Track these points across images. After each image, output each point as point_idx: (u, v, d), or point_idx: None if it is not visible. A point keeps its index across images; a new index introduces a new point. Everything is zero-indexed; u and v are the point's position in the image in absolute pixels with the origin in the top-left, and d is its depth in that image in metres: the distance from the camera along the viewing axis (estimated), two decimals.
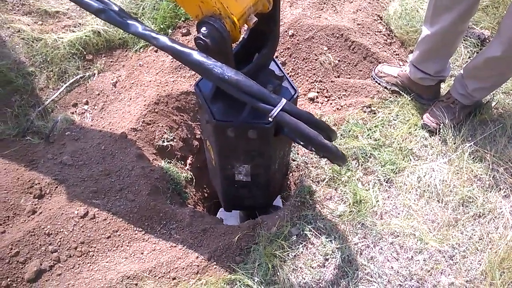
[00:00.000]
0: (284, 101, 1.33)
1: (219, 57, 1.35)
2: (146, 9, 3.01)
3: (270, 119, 1.33)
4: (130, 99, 2.65)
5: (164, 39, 1.36)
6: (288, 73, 2.78)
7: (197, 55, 1.32)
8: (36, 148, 2.41)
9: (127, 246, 2.07)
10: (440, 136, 2.37)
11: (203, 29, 1.35)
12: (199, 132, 2.76)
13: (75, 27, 2.94)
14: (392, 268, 1.92)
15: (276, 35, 1.67)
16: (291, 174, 2.54)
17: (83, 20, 2.95)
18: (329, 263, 1.96)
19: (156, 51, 2.91)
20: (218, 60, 1.32)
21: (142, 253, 2.04)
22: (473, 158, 2.25)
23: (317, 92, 2.70)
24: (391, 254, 1.97)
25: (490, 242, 1.94)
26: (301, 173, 2.37)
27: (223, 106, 1.71)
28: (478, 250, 1.92)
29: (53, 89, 2.75)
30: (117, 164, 2.32)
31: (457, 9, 2.06)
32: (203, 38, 1.35)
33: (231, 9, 1.36)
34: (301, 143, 1.58)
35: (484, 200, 2.07)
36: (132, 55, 2.93)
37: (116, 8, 1.46)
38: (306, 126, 1.34)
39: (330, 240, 2.02)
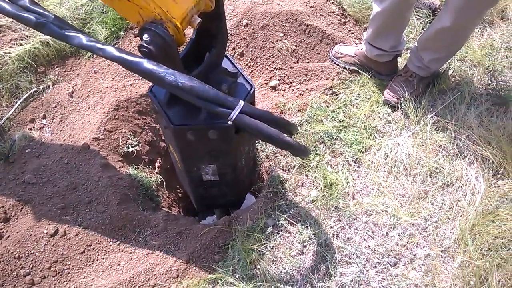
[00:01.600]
0: (241, 103, 1.32)
1: (166, 63, 1.32)
2: (94, 14, 2.92)
3: (229, 122, 1.32)
4: (89, 108, 2.58)
5: (110, 49, 1.32)
6: (247, 64, 2.76)
7: (147, 64, 1.28)
8: None
9: (103, 259, 2.03)
10: (402, 110, 2.40)
11: (145, 36, 1.32)
12: None
13: (22, 39, 2.82)
14: (369, 247, 1.95)
15: (224, 32, 1.64)
16: (262, 164, 2.54)
17: (29, 32, 2.84)
18: (307, 250, 1.98)
19: None
20: (165, 65, 1.29)
21: (119, 264, 2.01)
22: (435, 128, 2.29)
23: (278, 80, 2.69)
24: (366, 233, 2.00)
25: (460, 210, 1.99)
26: (271, 163, 2.36)
27: (180, 110, 1.69)
28: (449, 219, 1.97)
29: (6, 106, 2.64)
30: (82, 177, 2.26)
31: None
32: (146, 45, 1.31)
33: (172, 13, 1.32)
34: (260, 140, 1.57)
35: (450, 169, 2.12)
36: (85, 63, 2.84)
37: (57, 20, 1.39)
38: (266, 125, 1.33)
39: (306, 227, 2.03)
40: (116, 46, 1.41)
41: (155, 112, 1.81)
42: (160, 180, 2.52)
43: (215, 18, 1.56)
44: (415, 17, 2.85)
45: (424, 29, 2.80)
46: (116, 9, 1.41)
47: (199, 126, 1.67)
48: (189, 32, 1.65)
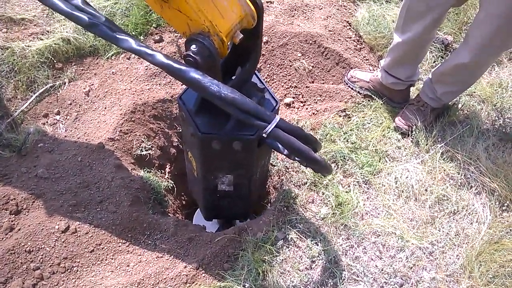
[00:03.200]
0: (278, 118, 1.39)
1: (208, 73, 1.38)
2: (116, 16, 2.96)
3: (264, 135, 1.38)
4: (105, 108, 2.60)
5: (160, 56, 1.37)
6: (264, 79, 2.82)
7: (193, 73, 1.34)
8: (8, 162, 2.32)
9: (112, 259, 2.03)
10: (412, 138, 2.48)
11: (193, 47, 1.38)
12: (176, 140, 2.75)
13: (42, 34, 2.84)
14: (377, 266, 1.99)
15: (259, 50, 1.71)
16: (270, 179, 2.58)
17: (51, 28, 2.86)
18: (316, 265, 2.02)
19: (128, 59, 2.87)
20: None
21: (128, 266, 2.01)
22: (444, 158, 2.37)
23: (293, 98, 2.75)
24: (374, 253, 2.04)
25: (466, 237, 2.06)
26: (282, 178, 2.41)
27: (208, 119, 1.73)
28: (455, 245, 2.03)
29: (21, 99, 2.65)
30: (95, 176, 2.28)
31: (427, 17, 2.17)
32: (193, 55, 1.37)
33: (219, 27, 1.39)
34: (291, 155, 1.64)
35: (457, 198, 2.20)
36: (103, 63, 2.87)
37: (107, 22, 1.44)
38: (298, 141, 1.40)
39: (316, 243, 2.07)
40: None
41: (182, 119, 1.85)
42: (171, 185, 2.54)
43: (253, 35, 1.62)
44: (429, 50, 2.96)
45: (436, 62, 2.91)
46: (165, 17, 1.47)
47: (225, 136, 1.72)
48: None
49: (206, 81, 1.33)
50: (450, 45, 2.97)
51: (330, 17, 3.07)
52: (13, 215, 2.09)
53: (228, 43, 1.46)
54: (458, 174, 2.29)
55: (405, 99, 2.67)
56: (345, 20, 3.10)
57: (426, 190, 2.24)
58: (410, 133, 2.50)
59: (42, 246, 1.98)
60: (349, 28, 3.08)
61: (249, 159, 1.87)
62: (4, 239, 2.01)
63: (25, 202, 2.13)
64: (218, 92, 1.33)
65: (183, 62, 1.42)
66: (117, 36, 1.41)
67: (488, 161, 2.31)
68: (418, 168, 2.32)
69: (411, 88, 2.70)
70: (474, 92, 2.74)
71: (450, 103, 2.62)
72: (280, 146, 1.66)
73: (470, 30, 2.16)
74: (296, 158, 1.61)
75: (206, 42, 1.38)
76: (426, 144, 2.42)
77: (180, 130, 2.72)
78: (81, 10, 1.45)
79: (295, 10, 3.09)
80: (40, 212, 2.10)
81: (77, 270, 1.97)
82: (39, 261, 1.94)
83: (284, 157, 2.47)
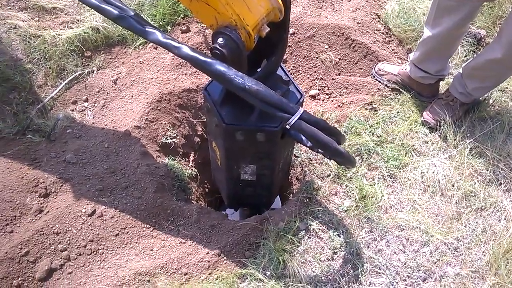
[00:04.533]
0: (301, 110, 1.39)
1: (234, 65, 1.39)
2: (145, 6, 3.00)
3: (287, 126, 1.39)
4: (132, 96, 2.64)
5: (185, 49, 1.39)
6: (289, 71, 2.81)
7: (219, 66, 1.35)
8: (37, 146, 2.38)
9: (136, 243, 2.07)
10: (440, 133, 2.43)
11: (220, 40, 1.39)
12: (201, 129, 2.77)
13: (73, 23, 2.90)
14: (400, 260, 1.97)
15: (285, 42, 1.71)
16: (292, 169, 2.57)
17: (81, 17, 2.92)
18: (337, 256, 2.00)
19: (155, 48, 2.90)
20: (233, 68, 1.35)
21: (151, 250, 2.05)
22: (473, 154, 2.31)
23: (318, 90, 2.73)
24: (397, 246, 2.02)
25: (493, 234, 2.01)
26: (305, 169, 2.40)
27: (232, 110, 1.75)
28: (481, 242, 1.99)
29: (51, 86, 2.71)
30: (121, 162, 2.32)
31: (459, 12, 2.12)
32: (220, 48, 1.39)
33: (247, 20, 1.40)
34: (314, 147, 1.63)
35: (485, 194, 2.14)
36: (131, 52, 2.91)
37: (135, 15, 1.47)
38: (321, 133, 1.40)
39: (338, 234, 2.06)
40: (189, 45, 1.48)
41: (207, 110, 1.87)
42: (194, 173, 2.56)
43: (280, 28, 1.62)
44: (460, 44, 2.89)
45: (467, 57, 2.84)
46: (192, 10, 1.48)
47: (249, 128, 1.73)
48: None
49: (231, 73, 1.34)
50: (483, 40, 2.89)
51: (359, 9, 3.02)
52: (42, 198, 2.15)
53: (255, 36, 1.46)
54: (487, 170, 2.23)
55: (434, 93, 2.62)
56: (374, 13, 3.06)
57: (453, 185, 2.19)
58: (438, 128, 2.44)
59: (70, 229, 2.03)
60: (378, 21, 3.03)
61: (273, 151, 1.88)
62: (34, 220, 2.07)
63: (54, 186, 2.19)
64: (242, 84, 1.34)
65: (210, 54, 1.43)
66: (145, 28, 1.44)
67: None
68: (446, 164, 2.28)
69: (441, 83, 2.64)
70: (507, 88, 2.66)
71: (480, 98, 2.55)
72: (303, 138, 1.66)
73: (503, 26, 2.09)
74: (320, 150, 1.61)
75: (233, 35, 1.39)
76: (455, 140, 2.37)
77: (205, 120, 2.74)
78: (109, 3, 1.48)
79: (323, 1, 3.07)
80: (67, 196, 2.15)
81: (103, 253, 2.01)
82: (67, 242, 1.99)
83: (308, 148, 2.47)
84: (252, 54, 1.73)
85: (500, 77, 2.32)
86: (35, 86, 2.69)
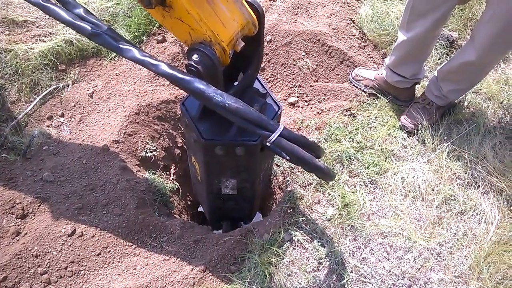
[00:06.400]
0: (281, 127, 1.39)
1: (210, 81, 1.38)
2: (119, 17, 2.95)
3: (268, 144, 1.38)
4: (109, 110, 2.59)
5: (163, 66, 1.37)
6: (267, 79, 2.81)
7: (198, 84, 1.34)
8: (13, 165, 2.32)
9: (119, 262, 2.03)
10: (418, 137, 2.47)
11: (195, 56, 1.38)
12: (181, 141, 2.74)
13: (45, 36, 2.84)
14: (384, 268, 1.99)
15: (260, 56, 1.71)
16: (274, 179, 2.57)
17: (53, 29, 2.85)
18: (323, 267, 2.01)
19: None
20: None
21: (135, 269, 2.01)
22: (451, 157, 2.35)
23: (297, 97, 2.74)
24: (381, 254, 2.04)
25: (474, 237, 2.04)
26: (287, 178, 2.40)
27: (210, 125, 1.74)
28: (463, 246, 2.02)
29: (25, 102, 2.65)
30: (101, 178, 2.27)
31: (432, 15, 2.15)
32: (195, 65, 1.38)
33: (221, 36, 1.39)
34: (293, 162, 1.64)
35: (465, 198, 2.18)
36: (107, 64, 2.86)
37: (110, 31, 1.43)
38: (301, 150, 1.41)
39: (322, 244, 2.07)
40: (167, 63, 1.46)
41: (185, 125, 1.85)
42: (176, 187, 2.53)
43: (254, 42, 1.62)
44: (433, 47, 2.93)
45: (441, 59, 2.89)
46: (166, 26, 1.46)
47: (228, 142, 1.72)
48: None
49: (210, 91, 1.33)
50: (455, 42, 2.95)
51: (334, 14, 3.04)
52: (20, 219, 2.09)
53: (230, 52, 1.45)
54: (465, 173, 2.28)
55: (410, 97, 2.65)
56: (348, 18, 3.08)
57: (433, 189, 2.23)
58: (416, 131, 2.48)
59: (49, 250, 1.98)
60: (353, 26, 3.05)
61: (252, 164, 1.88)
62: (11, 243, 2.01)
63: (31, 206, 2.13)
64: (222, 102, 1.33)
65: (185, 71, 1.42)
66: (120, 46, 1.41)
67: (495, 160, 2.29)
68: (425, 168, 2.31)
69: (416, 86, 2.68)
70: (480, 90, 2.72)
71: (456, 101, 2.60)
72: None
73: (476, 28, 2.13)
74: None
75: (207, 51, 1.38)
76: (432, 143, 2.40)
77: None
78: (83, 19, 1.44)
79: (298, 8, 3.07)
80: (46, 216, 2.10)
81: (84, 274, 1.97)
82: (46, 265, 1.94)
83: None
84: (228, 69, 1.72)
85: (475, 79, 2.37)
86: (8, 103, 2.62)
